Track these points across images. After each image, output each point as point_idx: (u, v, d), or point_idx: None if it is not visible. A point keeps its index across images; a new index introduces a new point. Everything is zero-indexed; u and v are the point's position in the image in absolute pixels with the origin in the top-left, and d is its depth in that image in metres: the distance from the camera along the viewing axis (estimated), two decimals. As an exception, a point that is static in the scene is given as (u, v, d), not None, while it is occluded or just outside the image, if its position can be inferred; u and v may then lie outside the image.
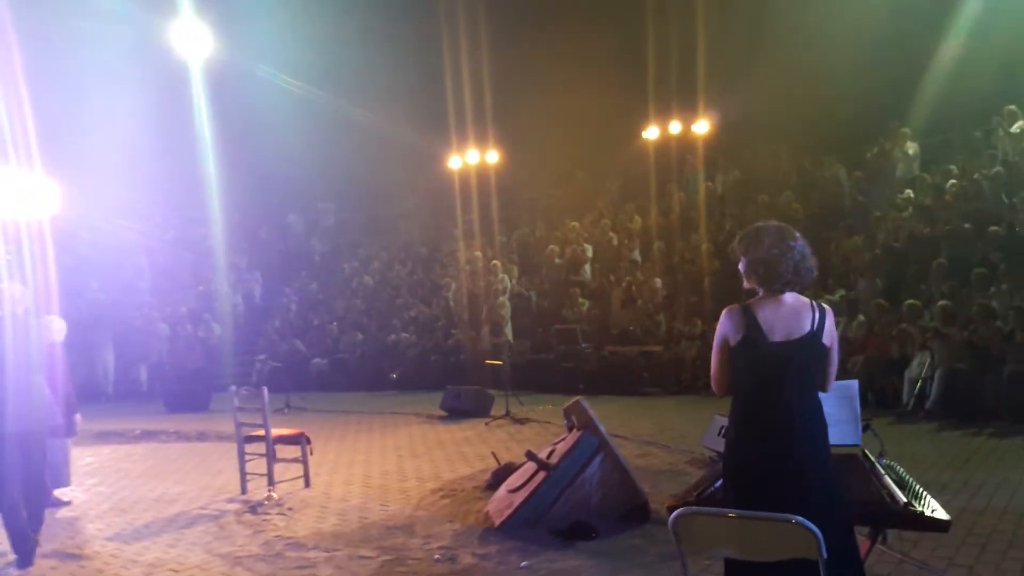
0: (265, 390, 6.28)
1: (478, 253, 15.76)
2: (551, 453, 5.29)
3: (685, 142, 16.67)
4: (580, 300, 13.81)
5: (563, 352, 12.62)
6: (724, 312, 3.05)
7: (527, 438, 8.47)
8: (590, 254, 14.90)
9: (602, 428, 5.10)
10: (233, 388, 6.50)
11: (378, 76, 18.33)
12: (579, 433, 5.10)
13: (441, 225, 19.21)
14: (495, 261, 14.98)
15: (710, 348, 3.13)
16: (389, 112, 18.62)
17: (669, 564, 4.15)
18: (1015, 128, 11.71)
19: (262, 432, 6.31)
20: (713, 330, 3.10)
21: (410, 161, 19.30)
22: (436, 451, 7.96)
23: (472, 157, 18.43)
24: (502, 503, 5.21)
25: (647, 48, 16.50)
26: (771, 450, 2.84)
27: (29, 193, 14.15)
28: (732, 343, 2.98)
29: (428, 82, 18.61)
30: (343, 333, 15.66)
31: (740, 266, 3.12)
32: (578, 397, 5.44)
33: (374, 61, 18.11)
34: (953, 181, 12.06)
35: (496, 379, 11.26)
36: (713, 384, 3.12)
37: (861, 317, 10.34)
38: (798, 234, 2.97)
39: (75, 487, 6.72)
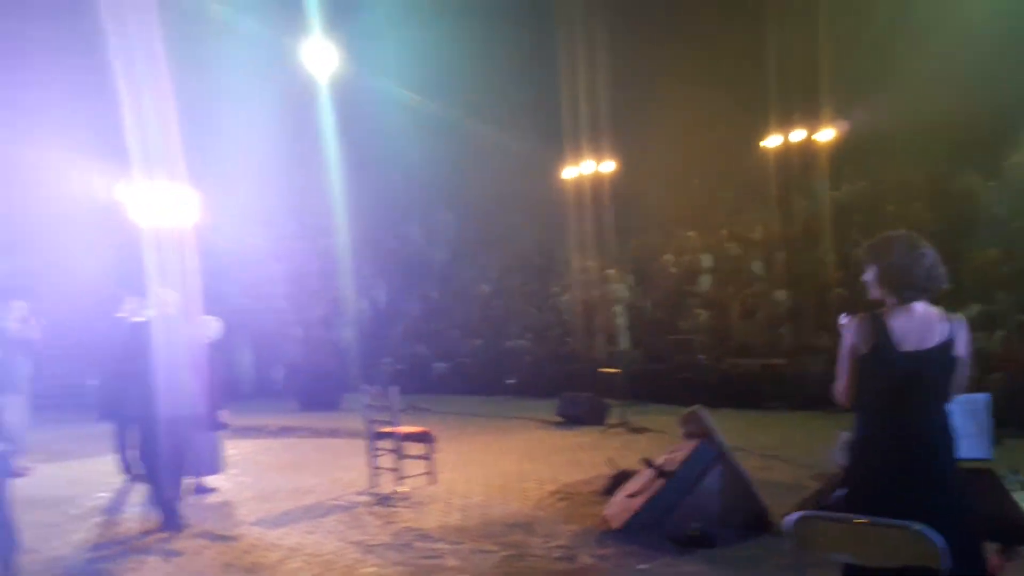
0: (396, 389, 6.65)
1: (591, 263, 15.87)
2: (667, 461, 5.36)
3: (808, 150, 16.22)
4: (697, 311, 13.70)
5: (680, 363, 12.55)
6: (854, 320, 3.05)
7: (643, 447, 8.48)
8: (707, 264, 14.73)
9: (720, 437, 5.14)
10: (365, 387, 6.91)
11: (495, 87, 18.77)
12: (697, 442, 5.16)
13: (556, 235, 19.43)
14: (609, 270, 15.05)
15: (834, 363, 3.14)
16: (506, 123, 19.04)
17: (787, 574, 4.15)
18: None
19: (391, 429, 6.68)
20: (831, 344, 3.11)
21: (526, 171, 19.65)
22: (553, 456, 8.14)
23: (587, 167, 18.59)
24: (620, 507, 5.34)
25: (769, 55, 16.20)
26: (898, 461, 2.84)
27: (174, 203, 15.38)
28: (861, 352, 2.98)
29: (545, 93, 18.93)
30: (462, 339, 16.12)
31: (867, 275, 3.11)
32: (696, 406, 5.49)
33: (492, 72, 18.57)
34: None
35: (611, 388, 11.34)
36: (838, 394, 3.13)
37: (1000, 332, 9.83)
38: (926, 243, 2.96)
39: (221, 477, 7.30)
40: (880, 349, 2.90)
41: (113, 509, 6.37)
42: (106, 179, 16.88)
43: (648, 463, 5.30)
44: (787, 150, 16.64)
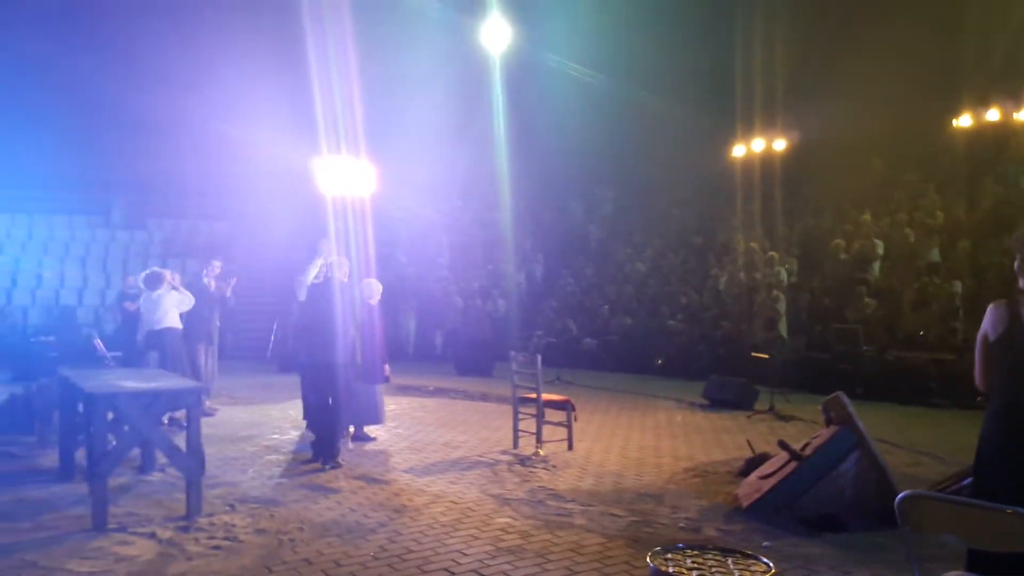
0: (539, 357, 6.96)
1: (755, 244, 15.43)
2: (806, 446, 5.32)
3: (1004, 131, 14.91)
4: (866, 299, 13.04)
5: (841, 352, 12.05)
6: (991, 306, 3.04)
7: (788, 434, 8.27)
8: (881, 251, 13.95)
9: (860, 425, 5.03)
10: (512, 353, 7.26)
11: (663, 64, 18.52)
12: (836, 428, 5.08)
13: (719, 215, 19.00)
14: (772, 253, 14.59)
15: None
16: (672, 99, 18.78)
17: (918, 565, 4.05)
18: None
19: (534, 395, 7.00)
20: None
21: (690, 149, 19.34)
22: (694, 435, 8.17)
23: (757, 145, 18.02)
24: (751, 487, 5.36)
25: (962, 28, 15.00)
26: (1021, 450, 2.79)
27: (354, 175, 16.48)
28: (992, 337, 2.96)
29: (715, 69, 18.49)
30: (613, 316, 16.24)
31: (1016, 264, 3.09)
32: (838, 392, 5.37)
33: (663, 46, 18.35)
34: None
35: (763, 374, 11.10)
36: (977, 380, 3.12)
37: None
38: None
39: (380, 428, 7.93)
40: (1010, 335, 2.86)
41: (285, 448, 7.12)
42: (299, 152, 18.25)
43: (784, 445, 5.28)
44: (979, 130, 15.38)
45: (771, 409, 9.61)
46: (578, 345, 15.75)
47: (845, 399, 5.22)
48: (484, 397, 10.63)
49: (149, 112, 18.65)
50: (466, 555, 4.30)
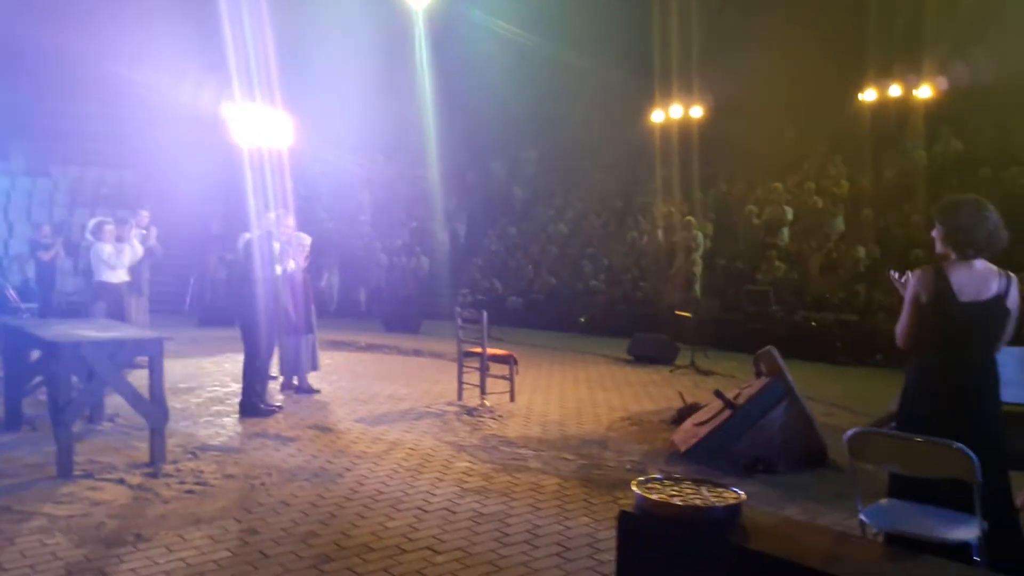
0: (484, 313, 7.22)
1: (672, 208, 16.04)
2: (738, 395, 5.78)
3: (905, 107, 15.86)
4: (776, 263, 13.82)
5: (753, 313, 12.79)
6: (918, 271, 3.42)
7: (711, 386, 8.87)
8: (790, 216, 14.76)
9: (789, 377, 5.52)
10: (457, 309, 7.49)
11: (586, 26, 18.76)
12: (767, 379, 5.56)
13: (638, 179, 19.55)
14: (689, 217, 15.22)
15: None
16: (594, 63, 19.08)
17: (842, 500, 4.56)
18: None
19: (479, 349, 7.27)
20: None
21: (612, 113, 19.71)
22: (624, 388, 8.63)
23: (676, 111, 18.55)
24: (688, 434, 5.80)
25: (871, 4, 15.81)
26: (947, 396, 3.22)
27: (270, 125, 16.19)
28: (923, 300, 3.34)
29: (636, 34, 18.82)
30: (538, 276, 16.62)
31: (934, 232, 3.48)
32: (769, 347, 5.85)
33: (586, 10, 18.58)
34: None
35: (681, 332, 11.70)
36: (899, 337, 3.50)
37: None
38: (992, 207, 3.28)
39: (324, 381, 8.04)
40: (940, 299, 3.25)
41: (230, 400, 7.17)
42: (210, 100, 17.70)
43: (719, 395, 5.73)
44: (883, 105, 16.31)
45: (692, 364, 10.19)
46: (503, 304, 16.07)
47: (775, 353, 5.70)
48: (417, 352, 10.83)
49: (44, 52, 17.67)
50: (434, 495, 4.56)
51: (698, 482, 2.99)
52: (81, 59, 17.99)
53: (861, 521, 3.04)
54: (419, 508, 4.33)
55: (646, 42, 18.54)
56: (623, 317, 14.39)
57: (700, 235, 14.76)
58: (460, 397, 7.44)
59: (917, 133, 15.42)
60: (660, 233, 15.68)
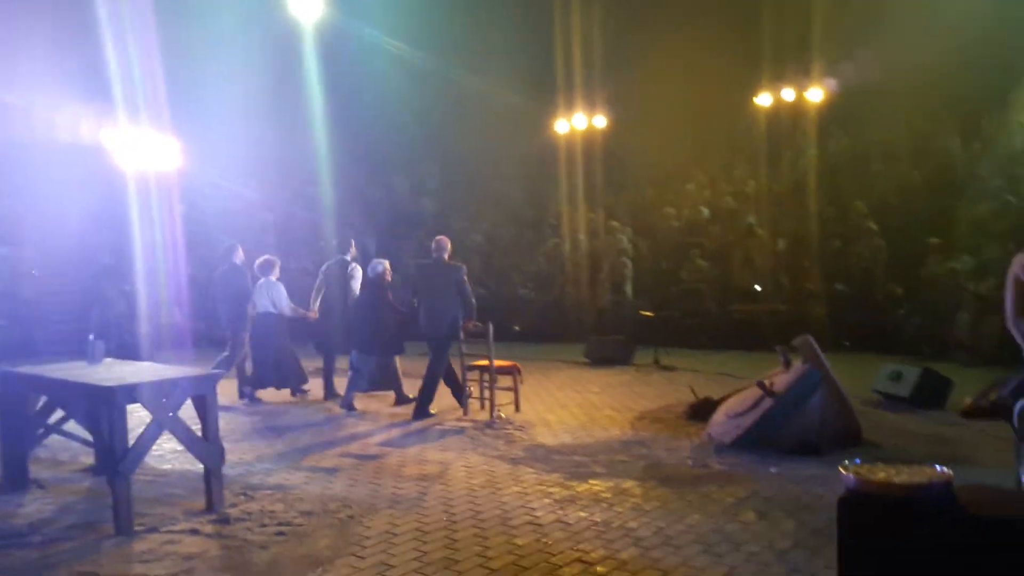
0: (491, 326, 7.13)
1: (593, 215, 16.40)
2: (771, 384, 5.98)
3: (798, 109, 16.93)
4: (698, 261, 14.39)
5: (688, 310, 13.27)
6: (1019, 254, 3.72)
7: (683, 382, 9.11)
8: (707, 216, 15.43)
9: (826, 363, 5.78)
10: (462, 323, 7.34)
11: (483, 39, 18.90)
12: (805, 367, 5.79)
13: (546, 189, 19.84)
14: (614, 222, 15.61)
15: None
16: (494, 75, 19.23)
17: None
18: None
19: (485, 362, 7.16)
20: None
21: (515, 124, 19.91)
22: (608, 390, 8.72)
23: (579, 120, 18.96)
24: (727, 426, 5.94)
25: (762, 13, 16.80)
26: None
27: (157, 149, 15.40)
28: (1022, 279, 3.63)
29: (537, 47, 19.15)
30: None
31: None
32: (806, 335, 6.11)
33: (482, 23, 18.70)
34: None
35: (635, 332, 12.00)
36: (1007, 316, 3.77)
37: (992, 279, 10.77)
38: None
39: (304, 408, 7.66)
40: None
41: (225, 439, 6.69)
42: (91, 123, 16.65)
43: (761, 385, 5.91)
44: (778, 108, 17.34)
45: (656, 362, 10.45)
46: (431, 318, 15.83)
47: (812, 341, 5.95)
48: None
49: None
50: (534, 509, 4.45)
51: (889, 462, 3.08)
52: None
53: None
54: (530, 523, 4.22)
55: (547, 54, 18.90)
56: (555, 323, 14.58)
57: (625, 238, 15.18)
58: (466, 412, 7.30)
59: (811, 133, 16.51)
60: (584, 239, 15.98)
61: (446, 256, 7.60)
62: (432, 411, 7.27)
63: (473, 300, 7.45)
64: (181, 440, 4.49)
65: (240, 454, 5.93)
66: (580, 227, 16.46)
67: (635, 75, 18.10)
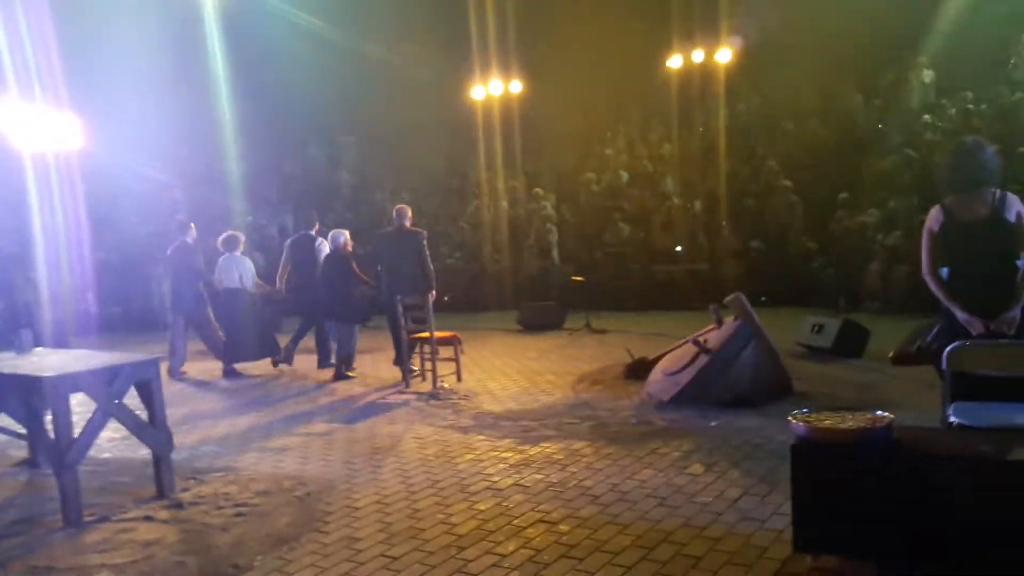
0: (431, 296, 7.15)
1: (516, 183, 16.46)
2: (705, 340, 6.22)
3: (708, 70, 17.26)
4: (620, 224, 14.66)
5: (613, 273, 13.55)
6: (931, 210, 3.99)
7: (616, 343, 9.38)
8: (626, 180, 15.69)
9: (756, 318, 6.04)
10: (398, 296, 7.31)
11: (397, 6, 18.58)
12: (737, 322, 6.04)
13: (464, 156, 19.77)
14: (537, 189, 15.72)
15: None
16: (408, 43, 18.96)
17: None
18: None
19: (426, 334, 7.19)
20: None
21: (431, 92, 19.69)
22: (545, 355, 8.88)
23: (495, 87, 18.89)
24: (666, 384, 6.16)
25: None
26: (980, 296, 3.78)
27: (57, 128, 14.70)
28: (935, 231, 3.91)
29: (450, 13, 18.93)
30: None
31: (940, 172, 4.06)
32: (737, 292, 6.35)
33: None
34: (971, 106, 13.04)
35: (566, 297, 12.23)
36: (924, 268, 4.02)
37: (897, 232, 11.38)
38: (985, 145, 3.88)
39: (237, 387, 7.54)
40: (948, 225, 3.82)
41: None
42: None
43: (695, 341, 6.13)
44: (688, 70, 17.66)
45: (587, 326, 10.67)
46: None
47: (743, 298, 6.19)
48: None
49: None
50: (491, 475, 4.54)
51: (835, 410, 3.29)
52: None
53: (950, 421, 3.49)
54: (489, 489, 4.31)
55: (462, 20, 18.71)
56: (485, 292, 14.68)
57: (549, 205, 15.32)
58: (407, 384, 7.32)
59: (720, 95, 16.90)
60: (506, 206, 16.04)
61: (407, 223, 7.66)
62: (352, 374, 7.80)
63: (431, 267, 7.58)
64: (128, 427, 4.38)
65: (181, 437, 5.80)
66: (501, 194, 16.51)
67: (549, 41, 18.14)
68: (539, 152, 18.82)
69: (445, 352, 7.39)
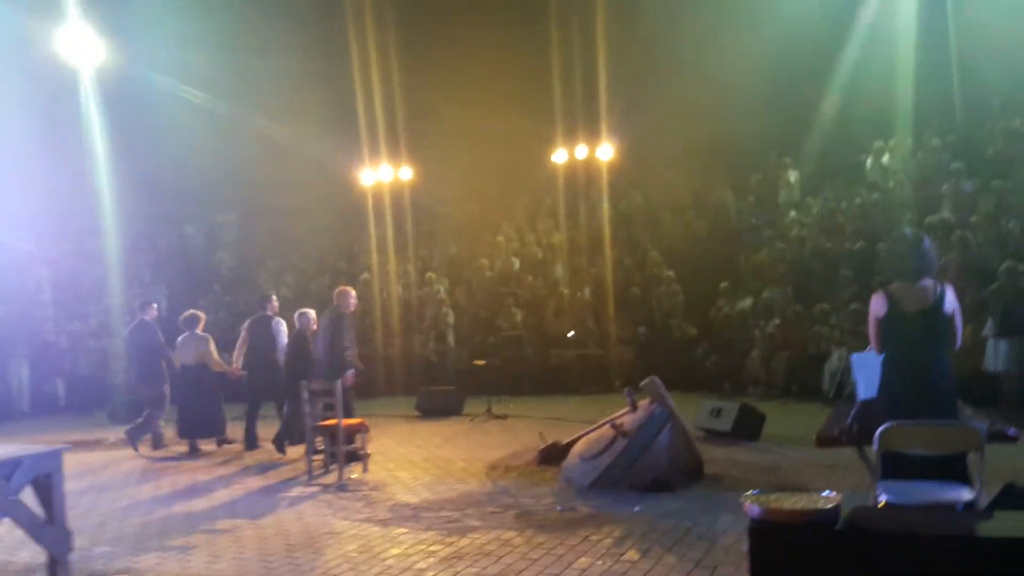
0: (339, 384, 6.91)
1: (410, 267, 16.44)
2: (621, 424, 6.30)
3: (591, 165, 18.04)
4: (513, 310, 14.83)
5: (508, 357, 13.62)
6: (874, 296, 4.24)
7: (520, 428, 9.39)
8: (517, 267, 15.98)
9: (671, 402, 6.19)
10: (303, 383, 7.03)
11: (283, 86, 18.56)
12: (654, 405, 6.16)
13: (355, 240, 19.62)
14: (430, 273, 15.74)
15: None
16: (296, 123, 18.87)
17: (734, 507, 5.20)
18: (885, 160, 14.04)
19: (333, 422, 6.91)
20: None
21: (319, 174, 19.55)
22: (449, 442, 8.71)
23: (385, 172, 19.01)
24: (584, 468, 6.16)
25: (552, 72, 17.89)
26: (916, 389, 4.03)
27: None
28: (879, 317, 4.16)
29: (340, 98, 19.04)
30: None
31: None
32: (652, 377, 6.49)
33: (279, 70, 18.34)
34: (832, 206, 14.24)
35: (441, 382, 12.29)
36: (874, 348, 4.26)
37: (776, 320, 12.09)
38: (922, 238, 4.21)
39: (128, 488, 6.96)
40: (892, 313, 4.10)
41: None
42: None
43: (613, 425, 6.19)
44: (573, 164, 18.40)
45: (488, 411, 10.58)
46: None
47: (658, 382, 6.34)
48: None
49: None
50: (422, 570, 4.35)
51: (787, 491, 3.38)
52: None
53: (881, 499, 3.67)
54: (424, 584, 4.12)
55: (350, 107, 18.84)
56: (377, 377, 14.37)
57: (442, 289, 15.34)
58: (311, 476, 6.96)
59: (603, 188, 17.65)
60: (399, 290, 15.94)
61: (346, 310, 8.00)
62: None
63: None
64: (25, 527, 3.92)
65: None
66: (394, 278, 16.41)
67: (438, 130, 18.53)
68: (430, 237, 18.94)
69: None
